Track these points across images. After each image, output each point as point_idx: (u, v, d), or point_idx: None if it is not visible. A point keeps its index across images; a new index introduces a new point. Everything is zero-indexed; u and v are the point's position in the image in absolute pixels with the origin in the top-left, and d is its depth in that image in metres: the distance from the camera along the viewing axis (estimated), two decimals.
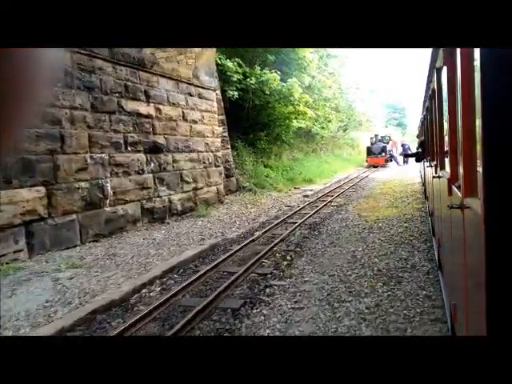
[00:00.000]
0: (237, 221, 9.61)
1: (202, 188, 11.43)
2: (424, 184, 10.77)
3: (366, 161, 28.65)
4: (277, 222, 8.96)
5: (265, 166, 17.45)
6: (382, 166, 27.61)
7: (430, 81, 4.26)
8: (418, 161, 10.09)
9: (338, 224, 8.52)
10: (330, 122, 28.71)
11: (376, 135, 30.18)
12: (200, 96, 11.61)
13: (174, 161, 10.28)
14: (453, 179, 2.34)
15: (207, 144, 11.88)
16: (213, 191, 12.08)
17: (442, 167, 3.45)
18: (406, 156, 25.91)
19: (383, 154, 28.30)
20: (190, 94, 11.11)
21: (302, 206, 11.43)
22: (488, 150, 1.08)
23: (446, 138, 2.72)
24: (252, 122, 17.84)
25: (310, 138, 27.30)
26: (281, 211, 10.87)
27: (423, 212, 9.04)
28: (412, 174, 20.29)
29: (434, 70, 3.43)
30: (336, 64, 31.71)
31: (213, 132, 12.31)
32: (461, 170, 1.78)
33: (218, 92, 13.88)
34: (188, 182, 10.78)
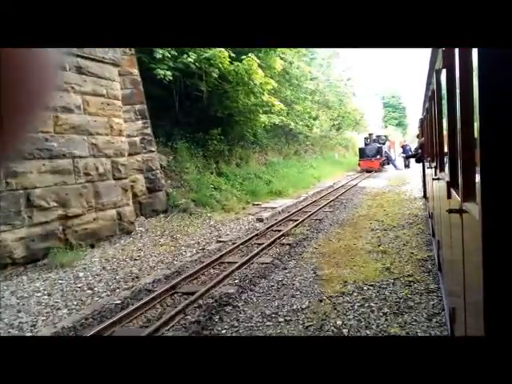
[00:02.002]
0: (102, 282, 5.42)
1: (80, 215, 7.24)
2: (424, 185, 9.70)
3: (359, 165, 24.40)
4: (161, 291, 4.78)
5: (218, 174, 13.29)
6: (376, 171, 23.43)
7: (429, 82, 4.30)
8: (418, 161, 10.08)
9: (265, 303, 4.33)
10: (315, 119, 24.59)
11: (370, 134, 25.93)
12: (81, 71, 7.44)
13: (12, 174, 6.12)
14: (452, 182, 2.29)
15: (95, 145, 7.70)
16: (108, 218, 7.90)
17: (442, 169, 3.36)
18: (408, 157, 22.60)
19: (378, 157, 24.04)
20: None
21: (241, 241, 7.29)
22: (486, 154, 1.06)
23: (446, 140, 2.67)
24: (203, 117, 13.66)
25: (292, 138, 23.21)
26: (198, 255, 6.68)
27: (433, 280, 4.76)
28: (412, 183, 16.10)
29: (434, 71, 3.43)
30: (324, 52, 27.55)
31: (111, 127, 8.13)
32: (459, 174, 1.77)
33: (135, 71, 9.73)
34: (45, 208, 6.60)
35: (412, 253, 5.93)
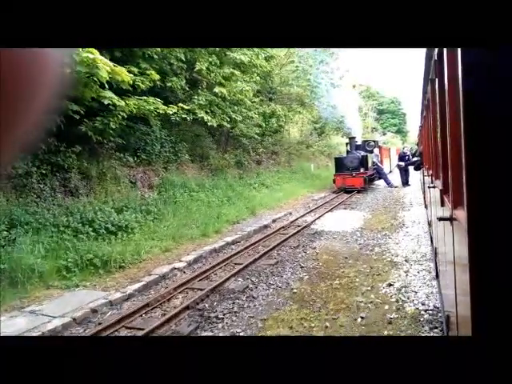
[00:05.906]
0: None
1: None
2: (423, 192, 9.31)
3: (334, 182, 16.60)
4: None
5: None
6: (360, 191, 15.71)
7: (425, 91, 4.42)
8: (416, 169, 10.54)
9: None
10: (271, 116, 16.89)
11: (351, 139, 18.07)
12: None
13: None
14: (445, 190, 2.30)
15: None
16: None
17: (437, 177, 3.43)
18: (406, 166, 16.39)
19: (362, 170, 16.17)
20: None
21: None
22: (471, 162, 1.07)
23: (439, 148, 2.73)
24: None
25: (235, 144, 15.64)
26: None
27: None
28: (414, 226, 8.34)
29: (429, 80, 3.51)
30: None
31: None
32: (450, 181, 1.79)
33: None
34: None
35: None
